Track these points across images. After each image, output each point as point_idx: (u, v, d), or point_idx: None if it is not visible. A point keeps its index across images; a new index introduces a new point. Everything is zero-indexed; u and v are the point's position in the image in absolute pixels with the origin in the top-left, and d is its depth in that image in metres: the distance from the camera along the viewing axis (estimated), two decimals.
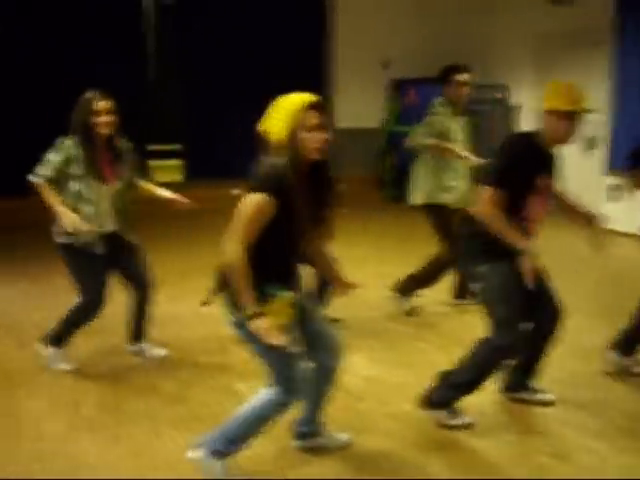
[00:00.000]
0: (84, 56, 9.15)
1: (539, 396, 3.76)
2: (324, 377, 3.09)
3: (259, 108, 3.08)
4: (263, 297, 2.72)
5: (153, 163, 10.50)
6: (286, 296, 2.78)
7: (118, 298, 4.34)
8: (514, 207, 3.34)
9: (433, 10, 10.99)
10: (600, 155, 8.56)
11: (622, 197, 8.13)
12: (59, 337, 4.22)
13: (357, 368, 4.19)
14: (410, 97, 10.42)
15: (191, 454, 2.99)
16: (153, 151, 10.92)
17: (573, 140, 3.43)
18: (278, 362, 2.84)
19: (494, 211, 3.30)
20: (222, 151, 10.22)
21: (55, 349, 4.23)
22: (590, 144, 8.76)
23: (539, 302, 3.53)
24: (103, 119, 3.91)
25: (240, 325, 2.78)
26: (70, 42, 9.19)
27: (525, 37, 9.51)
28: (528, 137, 3.48)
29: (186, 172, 10.71)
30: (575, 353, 4.43)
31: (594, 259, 6.97)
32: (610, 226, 7.96)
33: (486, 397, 3.74)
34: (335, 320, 4.70)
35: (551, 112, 3.35)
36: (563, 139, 3.42)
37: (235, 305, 2.75)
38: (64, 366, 4.21)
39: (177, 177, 10.78)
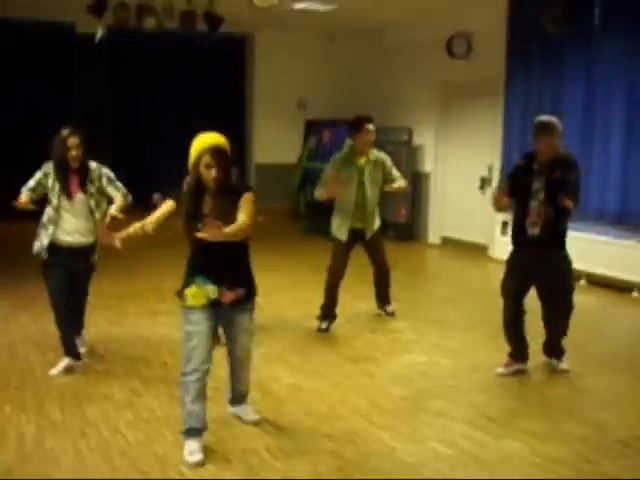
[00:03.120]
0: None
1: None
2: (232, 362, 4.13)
3: (184, 146, 4.00)
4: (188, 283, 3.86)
5: None
6: (201, 286, 3.80)
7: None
8: None
9: (345, 57, 12.02)
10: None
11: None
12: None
13: (281, 377, 4.97)
14: (324, 136, 11.34)
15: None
16: None
17: None
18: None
19: None
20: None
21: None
22: (484, 183, 9.86)
23: None
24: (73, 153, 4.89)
25: None
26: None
27: (427, 85, 10.60)
28: None
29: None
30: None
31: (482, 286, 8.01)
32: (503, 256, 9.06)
33: None
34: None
35: None
36: None
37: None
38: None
39: None
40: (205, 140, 3.80)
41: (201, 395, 3.82)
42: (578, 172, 4.93)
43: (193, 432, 3.84)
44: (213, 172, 3.75)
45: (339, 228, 6.16)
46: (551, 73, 8.43)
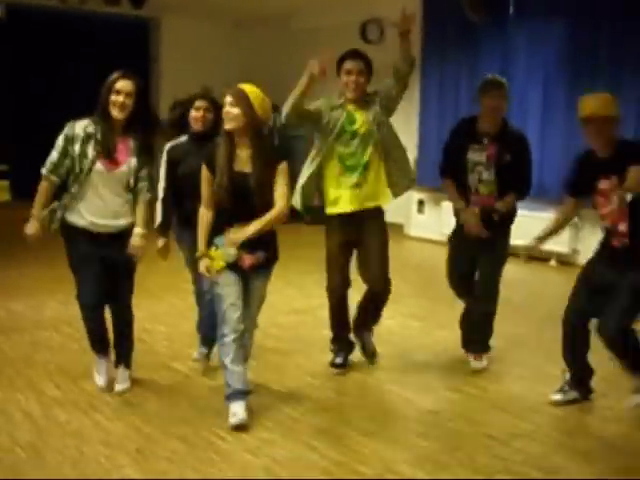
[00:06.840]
0: None
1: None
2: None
3: None
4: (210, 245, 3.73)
5: None
6: (220, 247, 3.69)
7: None
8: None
9: (251, 43, 12.03)
10: None
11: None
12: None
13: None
14: None
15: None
16: None
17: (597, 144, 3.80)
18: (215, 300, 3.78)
19: None
20: None
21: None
22: None
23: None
24: (120, 99, 3.91)
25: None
26: None
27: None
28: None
29: (12, 192, 10.81)
30: None
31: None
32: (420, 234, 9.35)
33: None
34: None
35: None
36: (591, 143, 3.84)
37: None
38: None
39: (3, 197, 10.82)
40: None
41: (240, 356, 3.72)
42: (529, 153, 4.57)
43: (237, 395, 3.70)
44: (235, 110, 3.60)
45: None
46: (467, 58, 8.88)
